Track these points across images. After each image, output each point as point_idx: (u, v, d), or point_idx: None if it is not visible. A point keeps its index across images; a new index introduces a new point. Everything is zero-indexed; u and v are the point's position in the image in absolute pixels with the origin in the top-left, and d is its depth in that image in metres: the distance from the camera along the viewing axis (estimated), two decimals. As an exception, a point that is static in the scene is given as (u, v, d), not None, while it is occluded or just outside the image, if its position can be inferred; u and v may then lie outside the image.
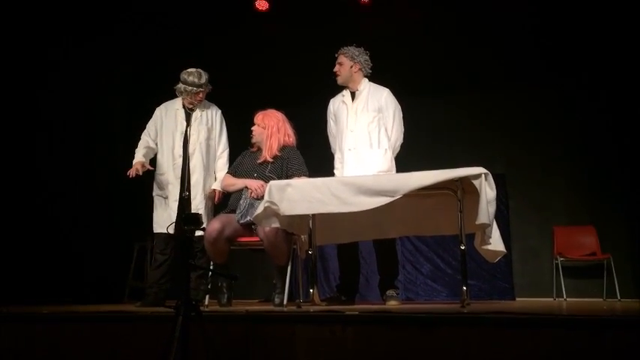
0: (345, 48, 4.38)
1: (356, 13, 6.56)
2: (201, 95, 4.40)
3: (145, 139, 4.45)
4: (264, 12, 6.71)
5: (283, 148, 4.16)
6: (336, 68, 4.36)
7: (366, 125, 4.22)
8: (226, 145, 4.55)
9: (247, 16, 6.62)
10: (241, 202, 4.00)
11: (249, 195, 3.99)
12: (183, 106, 4.45)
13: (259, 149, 4.22)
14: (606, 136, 6.26)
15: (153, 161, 4.47)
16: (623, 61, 5.78)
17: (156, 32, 6.36)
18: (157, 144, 4.45)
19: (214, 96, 4.60)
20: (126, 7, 5.85)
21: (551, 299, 5.90)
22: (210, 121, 4.49)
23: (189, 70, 4.40)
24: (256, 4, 6.68)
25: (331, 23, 6.35)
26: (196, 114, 4.43)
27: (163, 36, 6.43)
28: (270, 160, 4.13)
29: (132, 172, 4.26)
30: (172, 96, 4.49)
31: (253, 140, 4.22)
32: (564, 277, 5.98)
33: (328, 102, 4.51)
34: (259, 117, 4.22)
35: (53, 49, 5.30)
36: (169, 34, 6.45)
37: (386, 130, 4.23)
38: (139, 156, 4.37)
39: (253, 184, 4.00)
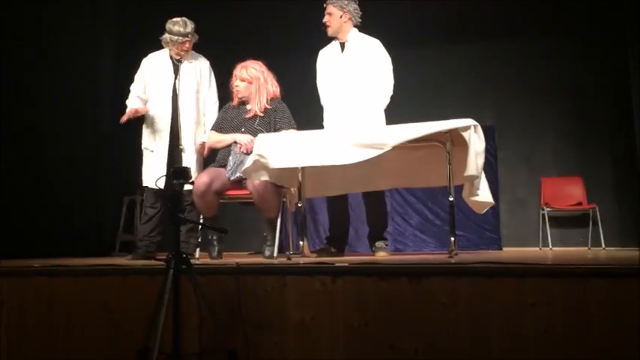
0: None
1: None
2: (187, 45, 4.31)
3: (134, 91, 4.39)
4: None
5: (272, 100, 4.12)
6: (326, 19, 4.25)
7: (355, 77, 4.17)
8: (216, 98, 4.49)
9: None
10: (230, 158, 3.97)
11: (237, 150, 3.96)
12: (171, 58, 4.38)
13: (243, 103, 4.16)
14: (594, 89, 6.26)
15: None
16: (611, 13, 5.73)
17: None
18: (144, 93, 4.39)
19: (201, 48, 4.51)
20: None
21: (537, 249, 6.00)
22: (199, 73, 4.41)
23: (175, 19, 4.30)
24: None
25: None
26: (184, 65, 4.36)
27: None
28: (261, 114, 4.08)
29: (124, 118, 4.24)
30: (159, 48, 4.40)
31: (239, 96, 4.12)
32: (550, 227, 6.07)
33: (316, 52, 4.43)
34: (242, 70, 4.10)
35: (33, 6, 5.16)
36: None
37: (376, 82, 4.19)
38: (132, 103, 4.33)
39: (243, 138, 3.97)
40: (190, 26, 4.29)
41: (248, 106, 4.15)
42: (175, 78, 4.34)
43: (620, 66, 5.29)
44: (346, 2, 4.22)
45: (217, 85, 4.51)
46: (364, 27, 4.34)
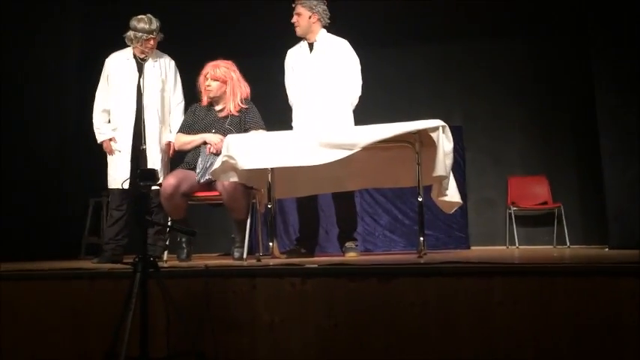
0: None
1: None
2: (152, 42, 4.24)
3: (100, 102, 4.30)
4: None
5: (244, 100, 4.10)
6: (295, 19, 4.24)
7: (323, 78, 4.17)
8: (182, 97, 4.44)
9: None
10: (200, 160, 3.92)
11: (207, 151, 3.91)
12: (135, 56, 4.31)
13: (211, 103, 4.12)
14: (559, 89, 6.38)
15: None
16: (574, 14, 5.84)
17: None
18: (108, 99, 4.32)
19: (165, 48, 4.46)
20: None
21: (505, 247, 6.08)
22: (163, 72, 4.36)
23: (139, 16, 4.23)
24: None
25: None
26: (149, 64, 4.30)
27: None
28: (236, 113, 4.05)
29: (110, 152, 4.25)
30: (125, 47, 4.34)
31: (212, 95, 4.07)
32: (517, 226, 6.16)
33: (284, 52, 4.42)
34: (215, 70, 4.05)
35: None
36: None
37: (344, 82, 4.19)
38: (103, 132, 4.25)
39: (213, 138, 3.93)
40: (155, 24, 4.23)
41: (218, 107, 4.11)
42: (139, 77, 4.27)
43: (584, 67, 5.39)
44: (315, 3, 4.22)
45: (182, 84, 4.46)
46: (330, 27, 4.35)
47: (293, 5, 4.26)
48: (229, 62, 4.12)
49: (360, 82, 4.23)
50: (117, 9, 4.44)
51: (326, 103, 4.15)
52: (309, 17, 4.21)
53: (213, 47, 4.57)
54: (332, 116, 4.12)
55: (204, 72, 4.09)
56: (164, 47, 4.42)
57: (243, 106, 4.08)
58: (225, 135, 3.85)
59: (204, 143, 3.96)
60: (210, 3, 6.28)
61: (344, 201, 4.25)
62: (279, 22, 4.45)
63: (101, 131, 4.28)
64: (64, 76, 5.66)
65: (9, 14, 5.16)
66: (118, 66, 4.30)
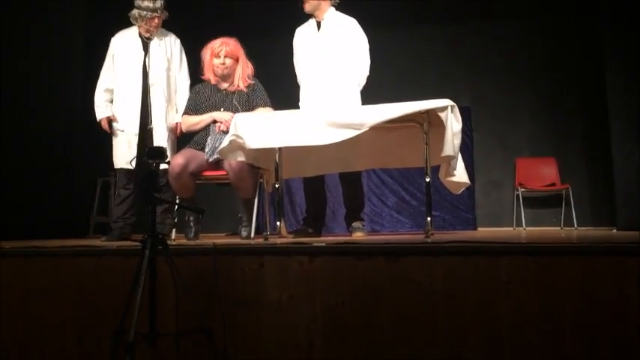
0: None
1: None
2: (156, 21, 4.22)
3: (104, 80, 4.30)
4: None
5: (251, 76, 4.09)
6: None
7: (331, 57, 4.14)
8: (188, 76, 4.43)
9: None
10: (209, 139, 3.90)
11: (217, 130, 3.90)
12: (140, 35, 4.29)
13: (218, 82, 4.10)
14: (568, 71, 6.32)
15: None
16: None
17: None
18: (113, 79, 4.30)
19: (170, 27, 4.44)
20: None
21: (511, 229, 6.08)
22: (169, 51, 4.34)
23: None
24: None
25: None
26: (154, 43, 4.28)
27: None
28: (244, 88, 4.04)
29: (106, 128, 4.26)
30: (128, 25, 4.31)
31: (226, 72, 4.02)
32: (524, 208, 6.14)
33: (289, 31, 4.39)
34: (225, 47, 4.01)
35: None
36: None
37: (352, 61, 4.16)
38: (101, 110, 4.26)
39: (223, 115, 3.90)
40: (160, 2, 4.20)
41: (225, 84, 4.09)
42: (145, 56, 4.26)
43: (594, 48, 5.33)
44: None
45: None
46: (339, 6, 4.30)
47: None
48: (234, 39, 4.10)
49: (368, 61, 4.19)
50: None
51: (333, 82, 4.12)
52: None
53: (217, 27, 4.53)
54: (339, 96, 4.09)
55: (213, 49, 4.04)
56: (169, 27, 4.40)
57: (251, 82, 4.07)
58: (234, 112, 3.84)
59: (214, 122, 3.95)
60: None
61: (351, 181, 4.25)
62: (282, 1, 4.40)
63: (100, 109, 4.28)
64: (69, 57, 5.64)
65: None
66: (124, 45, 4.28)
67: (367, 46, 4.20)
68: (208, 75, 4.09)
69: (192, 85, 4.37)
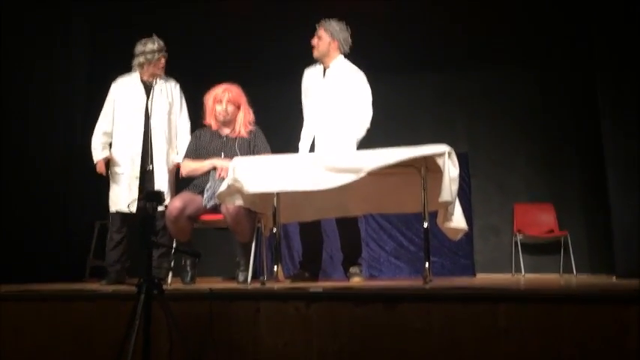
0: (326, 21, 4.24)
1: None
2: (163, 61, 4.31)
3: (102, 124, 4.34)
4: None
5: (252, 123, 4.14)
6: (315, 41, 4.24)
7: (331, 104, 4.19)
8: (188, 120, 4.48)
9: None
10: (209, 185, 3.91)
11: (217, 176, 3.91)
12: (142, 81, 4.36)
13: (220, 127, 4.13)
14: (564, 117, 6.39)
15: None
16: (580, 42, 5.88)
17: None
18: (113, 123, 4.34)
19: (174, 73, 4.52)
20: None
21: (510, 275, 6.04)
22: (170, 95, 4.40)
23: (143, 40, 4.30)
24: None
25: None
26: (156, 87, 4.34)
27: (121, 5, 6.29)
28: (245, 135, 4.07)
29: (102, 171, 4.28)
30: (128, 69, 4.38)
31: (228, 118, 4.06)
32: (523, 254, 6.12)
33: (287, 75, 4.47)
34: (228, 93, 4.06)
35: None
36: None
37: (353, 112, 4.17)
38: (98, 153, 4.29)
39: (224, 163, 3.90)
40: (160, 42, 4.31)
41: (226, 130, 4.12)
42: (147, 99, 4.31)
43: (590, 95, 5.41)
44: (338, 29, 4.23)
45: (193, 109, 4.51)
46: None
47: (316, 26, 4.26)
48: (236, 85, 4.15)
49: (369, 114, 4.19)
50: (123, 33, 4.50)
51: (330, 128, 4.16)
52: (329, 43, 4.22)
53: (217, 71, 4.61)
54: (333, 142, 4.12)
55: (215, 96, 4.08)
56: (169, 71, 4.48)
57: (252, 129, 4.11)
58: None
59: (214, 168, 3.96)
60: (214, 30, 6.38)
61: (348, 226, 4.24)
62: (283, 44, 4.49)
63: (97, 151, 4.30)
64: (70, 98, 5.69)
65: (19, 36, 5.22)
66: (126, 89, 4.35)
67: (370, 99, 4.20)
68: (210, 120, 4.12)
69: (192, 128, 4.42)
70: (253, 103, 4.23)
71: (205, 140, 4.12)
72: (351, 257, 4.22)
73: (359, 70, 4.26)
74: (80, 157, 5.61)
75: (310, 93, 4.31)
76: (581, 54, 5.97)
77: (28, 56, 5.31)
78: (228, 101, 4.05)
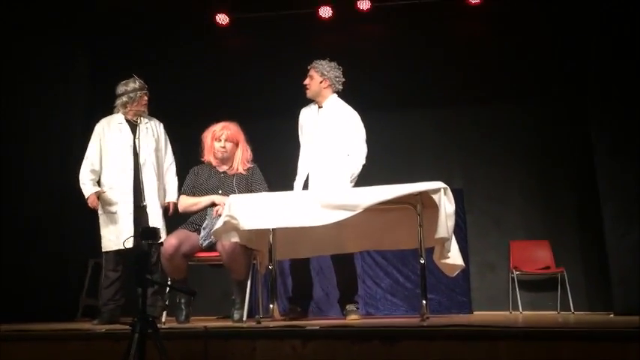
0: (317, 62, 4.36)
1: (315, 27, 6.62)
2: (145, 98, 4.41)
3: (90, 161, 4.35)
4: (224, 26, 6.72)
5: (250, 160, 4.16)
6: (307, 81, 4.35)
7: (325, 142, 4.24)
8: (172, 158, 4.56)
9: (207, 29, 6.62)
10: (206, 222, 3.90)
11: (214, 214, 3.90)
12: (126, 120, 4.41)
13: (218, 164, 4.15)
14: (559, 153, 6.43)
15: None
16: (574, 79, 5.97)
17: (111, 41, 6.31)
18: (100, 162, 4.36)
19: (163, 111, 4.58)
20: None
21: (508, 312, 5.99)
22: (155, 133, 4.48)
23: (123, 81, 4.41)
24: (216, 18, 6.69)
25: (293, 37, 6.42)
26: (141, 126, 4.41)
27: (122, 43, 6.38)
28: (244, 172, 4.09)
29: (95, 206, 4.29)
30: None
31: (226, 156, 4.10)
32: (520, 291, 6.08)
33: (288, 113, 4.53)
34: (226, 131, 4.10)
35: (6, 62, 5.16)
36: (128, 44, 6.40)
37: (345, 150, 4.22)
38: (89, 187, 4.29)
39: (223, 199, 3.89)
40: (141, 81, 4.40)
41: (224, 167, 4.14)
42: (134, 137, 4.35)
43: (584, 131, 5.46)
44: (328, 69, 4.33)
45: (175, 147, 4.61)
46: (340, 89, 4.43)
47: (308, 68, 4.37)
48: (234, 123, 4.19)
49: (363, 153, 4.25)
50: (121, 73, 4.58)
51: (323, 165, 4.20)
52: (320, 82, 4.32)
53: (210, 109, 4.67)
54: (327, 179, 4.15)
55: (214, 133, 4.12)
56: (155, 111, 4.55)
57: (250, 166, 4.13)
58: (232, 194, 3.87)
59: (212, 205, 3.96)
60: (203, 70, 6.48)
61: (344, 263, 4.22)
62: (277, 82, 4.57)
63: (87, 187, 4.30)
64: (66, 137, 5.73)
65: (16, 74, 5.27)
66: (112, 129, 4.39)
67: (364, 136, 4.27)
68: (208, 157, 4.14)
69: (180, 166, 4.48)
70: (250, 140, 4.26)
71: (203, 177, 4.13)
72: (347, 294, 4.19)
73: (352, 109, 4.33)
74: (74, 196, 5.61)
75: (305, 131, 4.36)
76: (574, 91, 6.04)
77: (27, 93, 5.35)
78: (227, 139, 4.08)
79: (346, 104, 4.37)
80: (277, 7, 6.45)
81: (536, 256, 6.25)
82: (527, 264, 6.17)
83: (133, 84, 4.36)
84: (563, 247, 6.22)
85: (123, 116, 4.41)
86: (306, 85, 4.35)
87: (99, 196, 4.28)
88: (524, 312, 5.91)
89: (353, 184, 4.23)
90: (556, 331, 2.54)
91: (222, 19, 6.70)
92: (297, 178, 4.32)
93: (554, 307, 6.05)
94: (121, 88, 4.38)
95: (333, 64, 4.37)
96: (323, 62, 4.35)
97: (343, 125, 4.24)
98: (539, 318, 4.44)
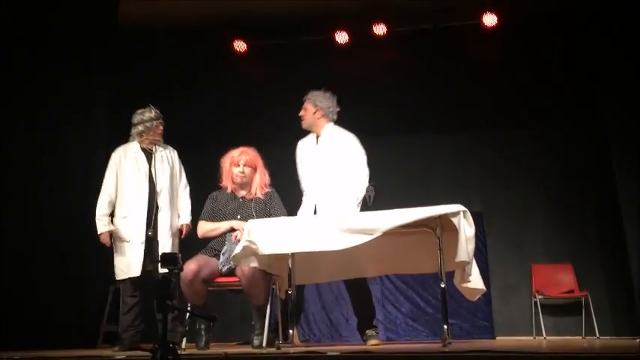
0: (310, 93, 4.46)
1: (332, 53, 6.68)
2: (161, 128, 4.47)
3: (107, 192, 4.42)
4: (242, 53, 6.81)
5: (267, 184, 4.17)
6: (301, 113, 4.46)
7: (327, 171, 4.27)
8: (186, 182, 4.61)
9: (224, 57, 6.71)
10: (224, 249, 3.90)
11: (233, 239, 3.90)
12: (142, 149, 4.48)
13: (236, 189, 4.16)
14: (580, 176, 6.36)
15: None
16: (594, 102, 5.94)
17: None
18: (116, 190, 4.42)
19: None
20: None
21: (531, 337, 5.88)
22: (170, 161, 4.54)
23: (139, 110, 4.48)
24: (234, 45, 6.78)
25: (310, 63, 6.48)
26: (157, 154, 4.47)
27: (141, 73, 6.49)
28: (262, 196, 4.10)
29: (107, 242, 4.36)
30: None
31: (245, 181, 4.12)
32: (543, 315, 5.98)
33: (293, 140, 4.57)
34: (245, 156, 4.11)
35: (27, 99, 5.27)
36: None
37: (349, 174, 4.24)
38: (104, 225, 4.35)
39: (242, 224, 3.88)
40: (157, 110, 4.46)
41: (242, 192, 4.15)
42: (150, 165, 4.41)
43: (605, 153, 5.42)
44: (321, 99, 4.41)
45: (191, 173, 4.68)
46: (350, 115, 4.46)
47: (303, 100, 4.47)
48: (252, 148, 4.22)
49: (365, 175, 4.28)
50: (140, 98, 4.66)
51: (329, 194, 4.23)
52: (314, 113, 4.41)
53: (224, 135, 4.72)
54: (335, 207, 4.16)
55: (232, 158, 4.13)
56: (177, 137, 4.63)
57: (268, 190, 4.14)
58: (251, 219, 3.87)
59: (231, 230, 3.96)
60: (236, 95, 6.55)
61: (358, 288, 4.20)
62: (290, 109, 4.61)
63: (102, 223, 4.37)
64: (88, 163, 5.79)
65: (39, 99, 5.37)
66: (128, 158, 4.46)
67: (364, 160, 4.31)
68: (227, 183, 4.16)
69: (192, 191, 4.55)
70: (267, 165, 4.29)
71: (222, 202, 4.14)
72: (365, 319, 4.16)
73: (350, 133, 4.39)
74: (94, 220, 5.66)
75: (305, 162, 4.44)
76: (594, 112, 6.00)
77: (49, 119, 5.44)
78: (245, 164, 4.10)
79: (344, 130, 4.43)
80: (294, 33, 6.53)
81: (559, 280, 6.15)
82: (550, 288, 6.07)
83: (149, 113, 4.43)
84: (585, 270, 6.12)
85: (138, 145, 4.48)
86: (301, 116, 4.45)
87: (111, 233, 4.32)
88: (548, 337, 5.80)
89: (359, 208, 4.23)
90: (583, 357, 2.48)
91: (239, 45, 6.79)
92: (302, 209, 4.34)
93: (578, 331, 5.93)
94: (137, 117, 4.44)
95: (327, 94, 4.44)
96: (317, 93, 4.44)
97: (343, 151, 4.30)
98: (564, 343, 4.36)
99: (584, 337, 5.80)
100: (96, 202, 5.50)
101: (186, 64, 6.74)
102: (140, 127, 4.42)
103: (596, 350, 3.12)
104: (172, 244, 4.36)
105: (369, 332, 4.06)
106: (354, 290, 4.21)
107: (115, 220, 4.39)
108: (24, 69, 5.22)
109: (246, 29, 6.70)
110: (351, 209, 4.18)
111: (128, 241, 4.31)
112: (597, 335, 5.69)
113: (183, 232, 4.46)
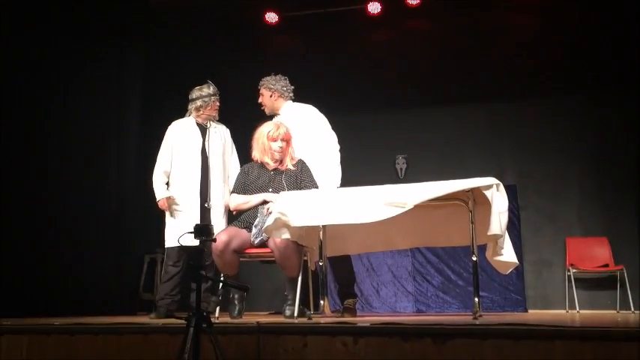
0: (262, 80, 4.52)
1: (364, 23, 6.61)
2: (218, 103, 4.54)
3: (161, 164, 4.49)
4: (274, 25, 6.79)
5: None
6: (260, 100, 4.51)
7: (296, 145, 4.25)
8: (238, 163, 4.65)
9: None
10: (257, 221, 3.93)
11: (265, 211, 3.92)
12: (197, 124, 4.53)
13: (267, 162, 4.17)
14: (618, 148, 6.22)
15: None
16: (635, 71, 5.77)
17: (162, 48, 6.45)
18: (171, 163, 4.50)
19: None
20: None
21: (564, 311, 5.84)
22: (223, 137, 4.60)
23: (198, 86, 4.55)
24: (266, 16, 6.76)
25: (342, 34, 6.42)
26: (211, 130, 4.50)
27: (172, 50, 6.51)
28: (293, 167, 4.12)
29: (165, 208, 4.42)
30: (181, 109, 4.58)
31: (283, 156, 4.11)
32: (577, 289, 5.92)
33: (334, 110, 4.59)
34: (281, 130, 4.09)
35: (60, 67, 5.35)
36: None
37: (317, 143, 4.28)
38: (162, 191, 4.42)
39: (273, 197, 3.91)
40: (215, 87, 4.54)
41: (274, 164, 4.16)
42: (204, 141, 4.47)
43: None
44: (273, 82, 4.48)
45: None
46: (384, 86, 4.41)
47: (258, 88, 4.53)
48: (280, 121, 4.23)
49: (332, 139, 4.33)
50: (173, 76, 4.70)
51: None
52: (270, 96, 4.48)
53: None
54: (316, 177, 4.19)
55: (269, 134, 4.10)
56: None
57: (297, 161, 4.15)
58: (283, 191, 3.89)
59: (263, 203, 4.00)
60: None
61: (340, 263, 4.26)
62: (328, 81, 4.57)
63: (160, 190, 4.44)
64: (121, 138, 5.89)
65: (76, 78, 5.46)
66: (183, 132, 4.53)
67: (327, 124, 4.36)
68: (263, 158, 4.14)
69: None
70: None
71: (253, 175, 4.16)
72: (345, 288, 4.27)
73: (308, 105, 4.43)
74: (131, 193, 5.78)
75: None
76: (633, 83, 5.83)
77: (83, 96, 5.54)
78: (282, 138, 4.10)
79: (300, 104, 4.45)
80: (326, 4, 6.47)
81: (594, 254, 6.07)
82: (585, 261, 6.01)
83: (207, 89, 4.51)
84: (621, 244, 6.03)
85: (194, 120, 4.54)
86: (260, 103, 4.51)
87: (168, 199, 4.40)
88: (581, 311, 5.76)
89: (339, 169, 4.29)
90: (616, 331, 2.46)
91: (271, 17, 6.77)
92: None
93: (613, 305, 5.87)
94: (195, 93, 4.52)
95: (277, 76, 4.51)
96: (268, 78, 4.51)
97: (303, 123, 4.32)
98: (597, 317, 4.32)
99: (618, 312, 5.73)
100: (130, 176, 5.63)
101: (216, 39, 6.73)
102: (198, 102, 4.49)
103: (631, 324, 3.08)
104: (225, 217, 4.45)
105: (346, 303, 4.16)
106: (335, 258, 4.26)
107: (170, 190, 4.46)
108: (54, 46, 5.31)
109: (278, 1, 6.66)
110: (333, 174, 4.24)
111: (181, 211, 4.40)
112: (632, 309, 5.62)
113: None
